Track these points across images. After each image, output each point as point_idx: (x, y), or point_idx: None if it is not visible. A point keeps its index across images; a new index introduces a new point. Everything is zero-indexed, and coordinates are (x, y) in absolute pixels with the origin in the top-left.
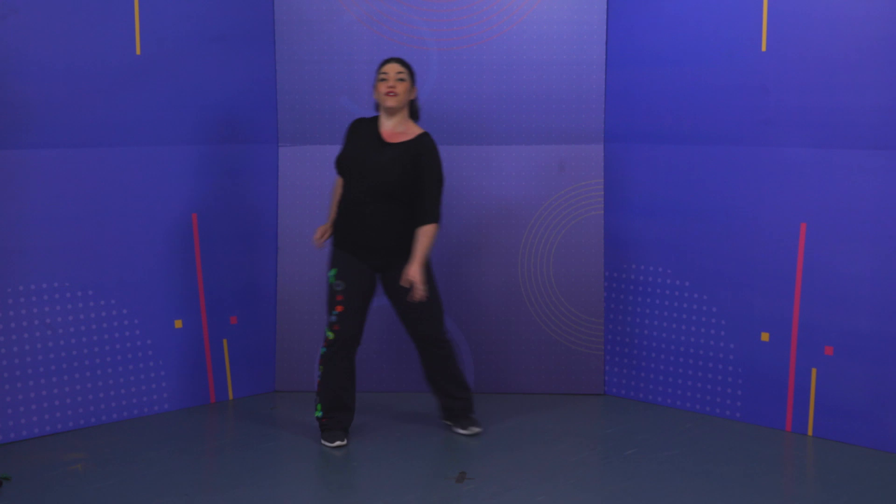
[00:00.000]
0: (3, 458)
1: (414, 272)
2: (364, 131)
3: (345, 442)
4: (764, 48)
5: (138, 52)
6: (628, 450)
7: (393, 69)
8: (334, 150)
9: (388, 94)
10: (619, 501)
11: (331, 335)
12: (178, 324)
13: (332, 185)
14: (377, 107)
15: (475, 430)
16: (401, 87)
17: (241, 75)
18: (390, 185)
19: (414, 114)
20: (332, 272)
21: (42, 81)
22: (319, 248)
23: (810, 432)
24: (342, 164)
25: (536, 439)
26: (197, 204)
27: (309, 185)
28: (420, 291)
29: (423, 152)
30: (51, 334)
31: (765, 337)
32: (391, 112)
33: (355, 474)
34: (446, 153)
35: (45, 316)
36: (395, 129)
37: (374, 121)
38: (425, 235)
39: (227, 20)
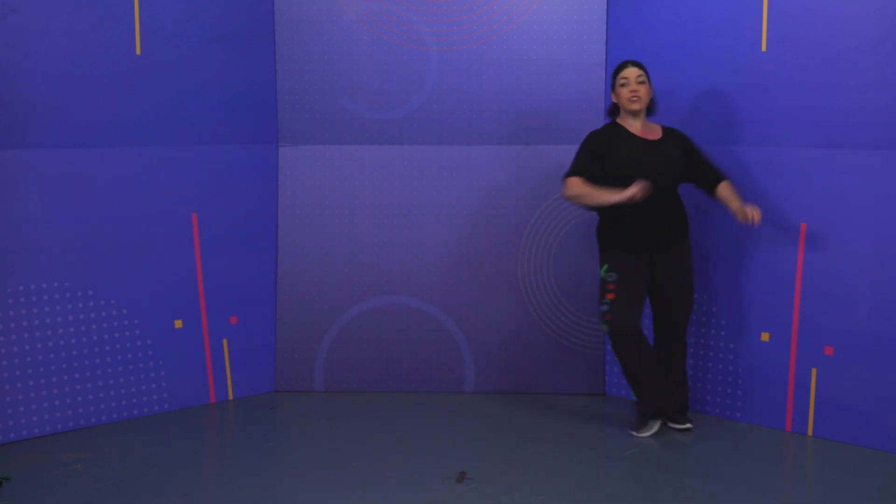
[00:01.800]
0: (3, 458)
1: (746, 209)
2: (614, 138)
3: (655, 429)
4: (764, 48)
5: (138, 52)
6: (628, 450)
7: (633, 74)
8: (334, 150)
9: (631, 99)
10: (619, 501)
11: (605, 327)
12: (178, 324)
13: (337, 186)
14: (611, 111)
15: (688, 426)
16: (643, 91)
17: (241, 75)
18: (676, 176)
19: (651, 109)
20: (605, 267)
21: (42, 81)
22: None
23: (810, 432)
24: (621, 170)
25: (536, 439)
26: (197, 204)
27: (309, 185)
28: (756, 213)
29: (682, 140)
30: (51, 334)
31: (765, 337)
32: (636, 114)
33: (355, 474)
34: (446, 153)
35: (45, 316)
36: (648, 126)
37: (616, 127)
38: (731, 188)
39: (227, 20)
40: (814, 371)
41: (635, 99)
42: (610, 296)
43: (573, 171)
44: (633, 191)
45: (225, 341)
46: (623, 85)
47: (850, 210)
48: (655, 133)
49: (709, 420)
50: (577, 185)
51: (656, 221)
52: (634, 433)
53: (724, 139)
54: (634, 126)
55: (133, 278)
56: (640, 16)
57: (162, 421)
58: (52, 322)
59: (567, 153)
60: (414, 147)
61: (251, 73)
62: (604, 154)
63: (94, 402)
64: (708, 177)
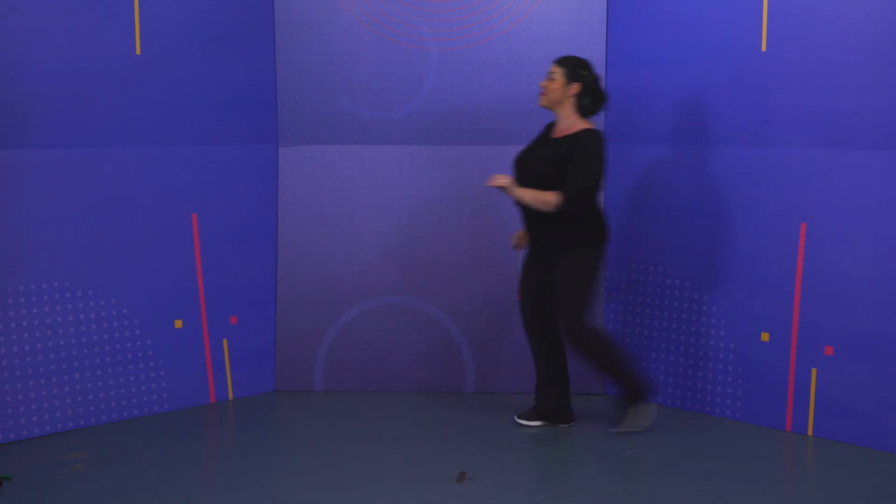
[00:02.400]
0: (3, 458)
1: (510, 183)
2: (544, 132)
3: (534, 424)
4: (764, 48)
5: (138, 52)
6: (628, 450)
7: (549, 69)
8: (334, 150)
9: (540, 94)
10: (619, 501)
11: None
12: (178, 324)
13: (337, 186)
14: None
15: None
16: (549, 87)
17: (241, 75)
18: (542, 179)
19: (583, 109)
20: None
21: (42, 81)
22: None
23: (810, 432)
24: (513, 162)
25: (536, 439)
26: (197, 204)
27: (309, 185)
28: (498, 180)
29: (576, 143)
30: (51, 334)
31: (765, 337)
32: (549, 110)
33: (355, 474)
34: (446, 153)
35: (45, 316)
36: (562, 125)
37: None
38: (546, 193)
39: (227, 20)
40: (814, 371)
41: (541, 93)
42: (519, 296)
43: None
44: (492, 179)
45: (225, 341)
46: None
47: (850, 210)
48: (564, 132)
49: (709, 420)
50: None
51: (532, 225)
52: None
53: (725, 139)
54: (557, 122)
55: (133, 278)
56: (640, 16)
57: (162, 421)
58: (52, 322)
59: None
60: (414, 147)
61: (251, 73)
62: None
63: (94, 402)
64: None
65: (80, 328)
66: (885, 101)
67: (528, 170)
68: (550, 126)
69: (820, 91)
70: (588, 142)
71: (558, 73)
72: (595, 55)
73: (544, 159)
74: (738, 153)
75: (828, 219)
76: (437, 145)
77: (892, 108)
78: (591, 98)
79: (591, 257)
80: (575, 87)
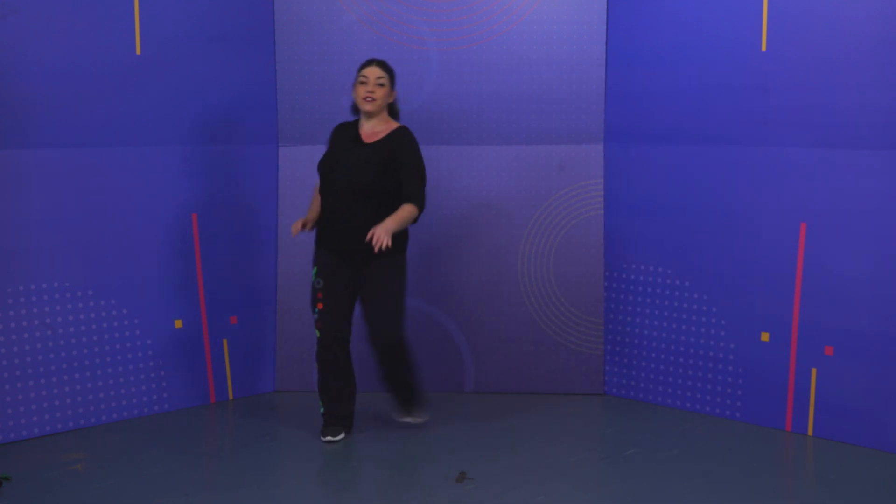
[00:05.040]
0: (3, 458)
1: (381, 228)
2: (345, 135)
3: (341, 437)
4: (764, 48)
5: (138, 52)
6: (628, 450)
7: (373, 73)
8: None
9: (366, 98)
10: (619, 501)
11: (318, 333)
12: (178, 324)
13: None
14: (354, 108)
15: (408, 419)
16: (379, 93)
17: (241, 75)
18: (367, 184)
19: (394, 114)
20: (314, 270)
21: (42, 81)
22: (293, 235)
23: (810, 432)
24: (322, 167)
25: (536, 439)
26: (197, 204)
27: (309, 185)
28: (380, 238)
29: (398, 145)
30: (51, 334)
31: (765, 337)
32: (369, 115)
33: (355, 474)
34: (446, 153)
35: (45, 316)
36: (374, 128)
37: (356, 124)
38: (404, 210)
39: (227, 20)
40: (814, 371)
41: (370, 100)
42: (320, 305)
43: (320, 159)
44: (301, 223)
45: (225, 341)
46: (362, 83)
47: (850, 210)
48: (378, 135)
49: (709, 420)
50: (317, 186)
51: (343, 229)
52: (323, 438)
53: (724, 139)
54: (364, 126)
55: (133, 278)
56: (640, 16)
57: (162, 421)
58: (52, 322)
59: (567, 153)
60: None
61: (251, 73)
62: (329, 146)
63: (94, 402)
64: (400, 193)
65: (80, 328)
66: (885, 101)
67: (348, 176)
68: (347, 128)
69: (820, 91)
70: (411, 140)
71: (386, 79)
72: (595, 55)
73: (364, 163)
74: (738, 153)
75: (828, 219)
76: (437, 145)
77: (892, 108)
78: (394, 105)
79: (404, 262)
80: (393, 94)
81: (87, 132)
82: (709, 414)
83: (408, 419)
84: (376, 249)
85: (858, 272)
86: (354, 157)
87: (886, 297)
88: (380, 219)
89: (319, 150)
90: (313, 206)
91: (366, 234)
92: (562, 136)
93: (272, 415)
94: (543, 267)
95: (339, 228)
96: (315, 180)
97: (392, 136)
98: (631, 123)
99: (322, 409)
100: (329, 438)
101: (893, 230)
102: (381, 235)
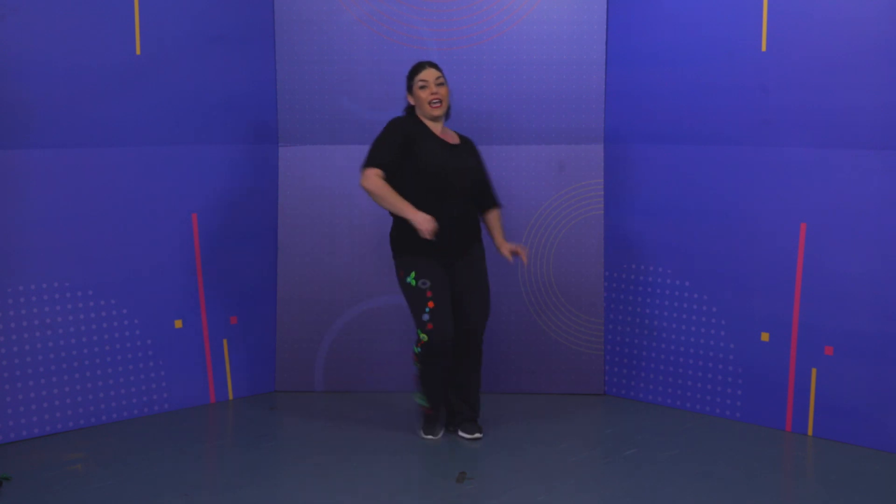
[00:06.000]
0: (3, 458)
1: (509, 245)
2: (421, 133)
3: (440, 435)
4: (764, 48)
5: (138, 52)
6: (628, 450)
7: (431, 76)
8: (334, 150)
9: (432, 103)
10: (619, 501)
11: (424, 336)
12: (178, 324)
13: (337, 186)
14: (410, 109)
15: (478, 435)
16: (443, 93)
17: (241, 75)
18: (480, 184)
19: (447, 114)
20: (412, 275)
21: (42, 81)
22: (432, 237)
23: (810, 432)
24: (433, 167)
25: (536, 439)
26: (197, 204)
27: (309, 185)
28: (526, 253)
29: (476, 150)
30: (51, 334)
31: (765, 337)
32: (437, 119)
33: (355, 474)
34: None
35: (45, 316)
36: (445, 131)
37: (419, 122)
38: (499, 218)
39: (227, 20)
40: (814, 371)
41: (437, 103)
42: (431, 304)
43: (374, 161)
44: (428, 228)
45: (225, 341)
46: (422, 87)
47: (850, 210)
48: (453, 138)
49: (709, 420)
50: (375, 180)
51: (455, 227)
52: (423, 435)
53: (725, 139)
54: (434, 127)
55: (133, 278)
56: (640, 16)
57: (162, 421)
58: (52, 322)
59: (567, 153)
60: None
61: (251, 73)
62: (411, 148)
63: (94, 402)
64: (485, 198)
65: (80, 328)
66: (884, 101)
67: (468, 182)
68: (421, 125)
69: (820, 91)
70: (477, 148)
71: (444, 78)
72: (595, 55)
73: (473, 169)
74: (738, 153)
75: (828, 219)
76: None
77: (891, 108)
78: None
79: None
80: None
81: (87, 132)
82: (709, 414)
83: (477, 434)
84: (527, 264)
85: (858, 272)
86: (462, 160)
87: (886, 297)
88: (474, 211)
89: (319, 150)
90: (405, 204)
91: (468, 229)
92: (562, 136)
93: (272, 415)
94: (544, 267)
95: (454, 229)
96: (327, 181)
97: (466, 141)
98: (631, 123)
99: (425, 405)
100: (431, 437)
101: (893, 230)
102: (518, 248)
